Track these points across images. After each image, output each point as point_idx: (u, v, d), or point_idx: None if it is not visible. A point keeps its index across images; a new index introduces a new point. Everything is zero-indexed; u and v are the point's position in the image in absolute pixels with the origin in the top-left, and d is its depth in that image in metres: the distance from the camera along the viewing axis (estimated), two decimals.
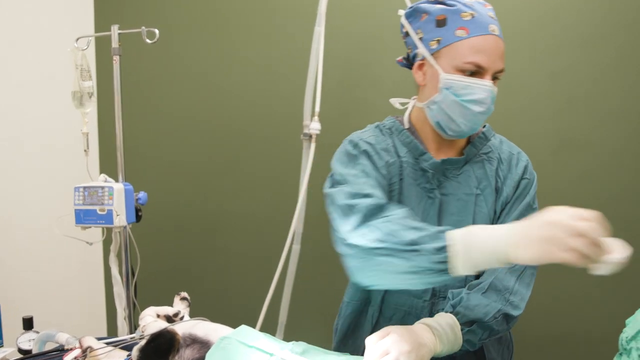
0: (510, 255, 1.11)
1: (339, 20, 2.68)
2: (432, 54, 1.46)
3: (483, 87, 1.41)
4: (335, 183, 1.48)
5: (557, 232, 1.05)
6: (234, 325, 1.40)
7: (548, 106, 2.52)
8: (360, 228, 1.29)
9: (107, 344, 1.44)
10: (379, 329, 1.52)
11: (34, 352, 1.67)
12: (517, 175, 1.55)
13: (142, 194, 2.25)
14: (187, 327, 1.33)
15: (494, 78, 1.44)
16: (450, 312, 1.40)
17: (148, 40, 2.21)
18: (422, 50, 1.48)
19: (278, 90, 2.86)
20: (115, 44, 2.25)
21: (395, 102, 1.64)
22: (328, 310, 2.88)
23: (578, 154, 2.51)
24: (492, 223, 1.52)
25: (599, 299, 2.53)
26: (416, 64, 1.53)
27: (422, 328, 1.32)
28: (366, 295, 1.61)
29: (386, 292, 1.56)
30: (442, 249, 1.17)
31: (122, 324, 2.28)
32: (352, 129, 2.71)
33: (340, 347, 1.67)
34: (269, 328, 2.58)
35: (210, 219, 3.05)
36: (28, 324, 1.79)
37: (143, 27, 2.21)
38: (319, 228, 2.80)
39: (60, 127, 2.84)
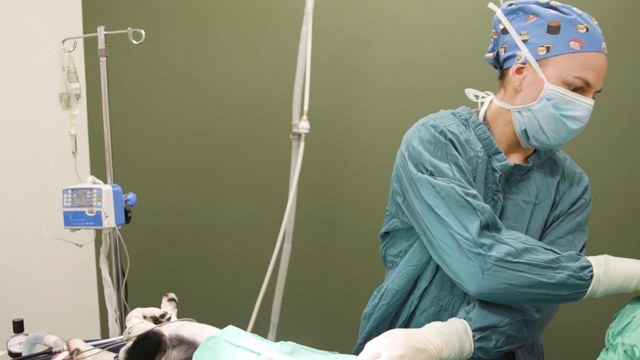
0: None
1: (326, 18, 2.69)
2: (537, 60, 1.41)
3: (585, 105, 1.39)
4: (425, 170, 1.42)
5: None
6: (225, 326, 1.40)
7: None
8: (487, 235, 1.31)
9: (95, 346, 1.43)
10: (414, 319, 1.54)
11: (23, 354, 1.66)
12: (576, 194, 1.55)
13: (131, 195, 2.24)
14: (174, 328, 1.33)
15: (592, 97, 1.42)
16: (464, 318, 1.36)
17: (134, 41, 2.20)
18: (526, 53, 1.42)
19: (266, 89, 2.86)
20: (101, 45, 2.24)
21: (470, 93, 1.59)
22: (320, 310, 2.90)
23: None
24: (542, 234, 1.52)
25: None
26: (515, 66, 1.45)
27: (430, 332, 1.30)
28: (413, 285, 1.56)
29: (430, 283, 1.52)
30: (587, 269, 1.26)
31: (113, 325, 2.27)
32: (341, 128, 2.74)
33: (374, 333, 1.59)
34: (261, 329, 2.59)
35: (201, 220, 3.05)
36: (18, 326, 1.78)
37: (129, 28, 2.21)
38: (309, 227, 2.81)
39: (49, 129, 2.84)
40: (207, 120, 2.98)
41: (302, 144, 2.45)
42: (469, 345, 1.32)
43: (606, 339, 1.25)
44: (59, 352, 1.48)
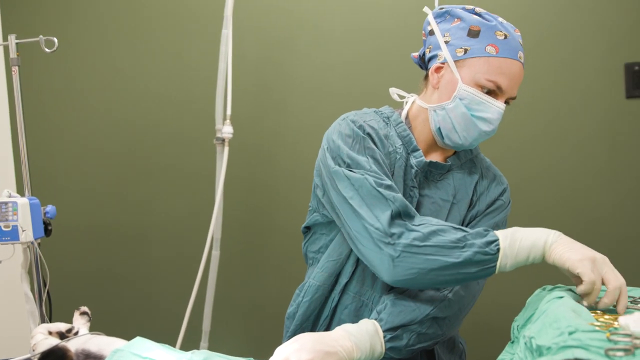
0: (546, 252, 1.26)
1: (248, 20, 2.68)
2: (455, 61, 1.45)
3: (496, 108, 1.43)
4: (342, 163, 1.44)
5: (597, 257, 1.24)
6: (154, 338, 1.37)
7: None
8: (397, 224, 1.32)
9: None
10: (335, 317, 1.54)
11: None
12: (493, 195, 1.58)
13: (49, 208, 2.18)
14: (80, 342, 1.30)
15: (505, 103, 1.46)
16: (375, 318, 1.38)
17: (47, 50, 2.15)
18: (445, 54, 1.46)
19: (190, 94, 2.82)
20: (13, 54, 2.18)
21: (394, 92, 1.61)
22: (255, 314, 2.88)
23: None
24: None
25: (496, 288, 2.56)
26: (435, 65, 1.49)
27: (340, 335, 1.31)
28: (335, 280, 1.56)
29: (350, 279, 1.53)
30: (493, 243, 1.27)
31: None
32: (266, 131, 2.73)
33: (297, 333, 1.56)
34: (194, 338, 2.55)
35: (128, 228, 2.98)
36: None
37: (41, 36, 2.15)
38: (239, 231, 2.79)
39: None
40: (130, 127, 2.93)
41: (226, 149, 2.44)
42: (379, 346, 1.33)
43: (512, 332, 1.27)
44: None
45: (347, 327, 1.34)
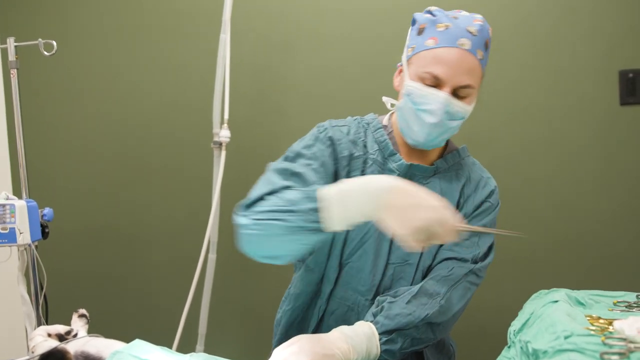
0: (375, 215, 1.20)
1: (247, 24, 2.68)
2: (407, 61, 1.48)
3: (436, 98, 1.41)
4: (284, 157, 1.51)
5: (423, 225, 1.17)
6: (151, 340, 1.37)
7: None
8: (254, 204, 1.34)
9: None
10: (323, 324, 1.57)
11: None
12: (481, 197, 1.57)
13: (47, 210, 2.19)
14: (79, 344, 1.30)
15: (458, 93, 1.42)
16: (371, 321, 1.39)
17: (46, 53, 2.16)
18: (403, 56, 1.51)
19: (187, 98, 2.83)
20: (12, 57, 2.19)
21: (387, 101, 1.62)
22: (251, 317, 2.89)
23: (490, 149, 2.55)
24: None
25: (492, 291, 2.58)
26: (397, 69, 1.55)
27: (336, 337, 1.32)
28: (317, 288, 1.59)
29: (335, 285, 1.55)
30: (315, 210, 1.21)
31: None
32: (264, 135, 2.74)
33: (283, 340, 1.63)
34: (190, 340, 2.56)
35: (125, 232, 2.99)
36: None
37: (40, 39, 2.16)
38: (234, 236, 2.78)
39: None
40: (127, 130, 2.93)
41: (223, 153, 2.44)
42: (375, 348, 1.35)
43: (508, 336, 1.28)
44: None
45: (344, 329, 1.35)
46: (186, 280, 2.56)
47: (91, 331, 1.51)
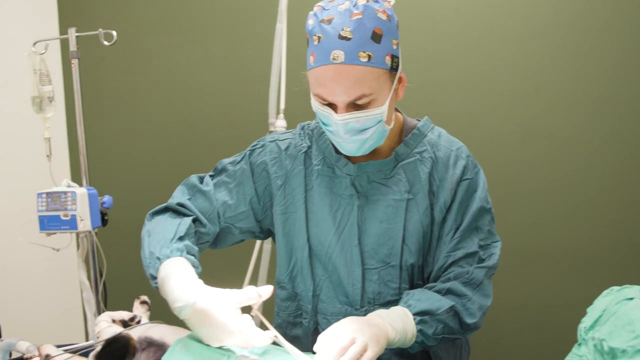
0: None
1: (302, 15, 2.66)
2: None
3: (334, 121, 1.31)
4: (214, 168, 1.57)
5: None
6: None
7: (515, 96, 2.52)
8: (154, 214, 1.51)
9: (66, 351, 1.41)
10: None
11: None
12: (454, 176, 1.42)
13: (107, 198, 2.22)
14: (143, 330, 1.31)
15: (358, 103, 1.29)
16: (402, 307, 1.36)
17: (106, 43, 2.18)
18: None
19: (243, 88, 2.84)
20: (73, 47, 2.22)
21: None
22: None
23: (544, 144, 2.51)
24: (430, 230, 1.44)
25: (560, 288, 2.54)
26: None
27: (372, 315, 1.30)
28: (295, 306, 1.56)
29: (317, 302, 1.51)
30: (153, 277, 1.33)
31: (93, 329, 2.25)
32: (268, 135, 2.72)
33: None
34: None
35: None
36: None
37: (100, 29, 2.18)
38: None
39: (28, 133, 2.80)
40: (184, 120, 2.97)
41: None
42: (411, 327, 1.31)
43: (578, 334, 1.24)
44: (31, 358, 1.46)
45: (378, 312, 1.32)
46: (241, 269, 2.57)
47: (151, 318, 1.53)
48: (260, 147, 1.54)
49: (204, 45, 2.90)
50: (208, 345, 1.25)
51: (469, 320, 1.37)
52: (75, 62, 2.22)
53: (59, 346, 1.45)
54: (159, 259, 1.30)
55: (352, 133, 1.32)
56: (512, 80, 2.54)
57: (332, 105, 1.31)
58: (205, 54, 2.90)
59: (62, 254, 2.21)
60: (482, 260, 1.42)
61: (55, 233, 2.13)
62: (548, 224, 2.56)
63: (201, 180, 1.55)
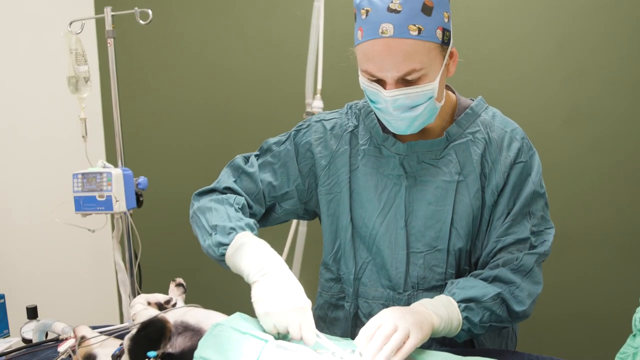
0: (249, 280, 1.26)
1: None
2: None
3: (383, 97, 1.28)
4: (259, 148, 1.57)
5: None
6: (236, 309, 1.36)
7: (557, 75, 2.45)
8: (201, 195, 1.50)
9: (101, 332, 1.40)
10: (360, 324, 1.46)
11: (33, 341, 1.65)
12: (508, 159, 1.38)
13: (142, 179, 2.21)
14: (179, 314, 1.29)
15: (407, 79, 1.26)
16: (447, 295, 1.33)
17: (141, 21, 2.16)
18: None
19: (279, 68, 2.81)
20: (109, 26, 2.20)
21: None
22: None
23: (588, 124, 2.44)
24: (480, 214, 1.40)
25: (608, 277, 2.48)
26: None
27: (415, 304, 1.28)
28: (339, 288, 1.55)
29: (359, 285, 1.50)
30: (222, 245, 1.33)
31: (128, 311, 2.25)
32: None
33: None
34: None
35: None
36: (32, 313, 1.77)
37: (136, 8, 2.16)
38: None
39: (63, 114, 2.81)
40: (219, 101, 2.95)
41: None
42: (456, 315, 1.28)
43: (633, 324, 1.19)
44: (66, 339, 1.46)
45: (420, 301, 1.30)
46: (277, 250, 2.55)
47: (186, 301, 1.51)
48: (306, 128, 1.52)
49: (240, 24, 2.87)
50: (245, 331, 1.22)
51: (518, 308, 1.33)
52: (111, 42, 2.21)
53: (94, 328, 1.45)
54: (233, 229, 1.31)
55: (401, 110, 1.29)
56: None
57: (380, 82, 1.28)
58: (241, 34, 2.87)
59: (97, 235, 2.21)
60: (533, 247, 1.37)
61: (90, 214, 2.12)
62: (597, 209, 2.49)
63: (246, 160, 1.54)
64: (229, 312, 1.33)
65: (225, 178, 1.51)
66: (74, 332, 1.40)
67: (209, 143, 2.99)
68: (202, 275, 3.00)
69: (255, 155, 1.56)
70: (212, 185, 1.51)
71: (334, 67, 2.61)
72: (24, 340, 1.71)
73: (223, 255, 1.30)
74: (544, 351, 1.72)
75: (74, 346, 1.35)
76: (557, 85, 2.45)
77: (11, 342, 1.77)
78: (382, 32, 1.23)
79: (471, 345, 1.46)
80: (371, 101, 1.33)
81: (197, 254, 3.03)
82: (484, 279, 1.35)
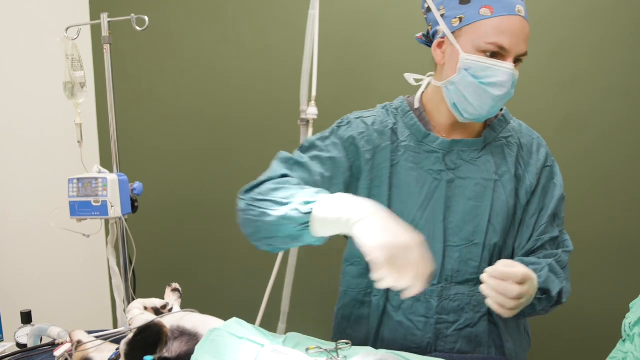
0: (350, 228, 1.15)
1: (334, 1, 2.64)
2: (453, 32, 1.40)
3: (504, 70, 1.36)
4: (300, 146, 1.54)
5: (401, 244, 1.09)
6: (232, 315, 1.37)
7: (550, 82, 2.47)
8: (257, 185, 1.42)
9: (98, 337, 1.41)
10: (389, 320, 1.53)
11: (28, 346, 1.65)
12: (539, 162, 1.53)
13: (137, 185, 2.21)
14: (175, 319, 1.30)
15: (516, 61, 1.39)
16: None
17: (138, 28, 2.17)
18: (443, 27, 1.42)
19: (274, 75, 2.82)
20: (105, 32, 2.21)
21: (410, 77, 1.60)
22: (331, 299, 2.86)
23: (581, 131, 2.46)
24: (514, 212, 1.50)
25: (599, 282, 2.49)
26: (436, 41, 1.47)
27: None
28: (366, 283, 1.57)
29: None
30: (307, 202, 1.22)
31: (122, 316, 2.26)
32: (351, 112, 2.69)
33: (338, 336, 1.63)
34: (271, 318, 2.56)
35: (209, 208, 3.02)
36: (26, 318, 1.77)
37: (132, 15, 2.17)
38: None
39: (57, 119, 2.81)
40: (214, 107, 2.95)
41: (310, 130, 2.42)
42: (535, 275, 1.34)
43: (623, 329, 1.21)
44: (62, 343, 1.46)
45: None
46: (270, 259, 2.56)
47: (182, 306, 1.52)
48: (346, 124, 1.55)
49: (236, 32, 2.88)
50: (241, 336, 1.24)
51: (563, 300, 1.46)
52: (107, 48, 2.22)
53: (89, 332, 1.45)
54: (307, 202, 1.23)
55: (512, 85, 1.38)
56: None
57: (495, 57, 1.37)
58: (236, 41, 2.88)
59: (91, 240, 2.21)
60: (563, 245, 1.51)
61: (85, 219, 2.13)
62: (591, 215, 2.51)
63: (291, 155, 1.53)
64: (224, 317, 1.34)
65: (278, 169, 1.47)
66: (70, 337, 1.41)
67: (204, 149, 3.00)
68: (197, 281, 3.01)
69: (299, 151, 1.55)
70: (263, 178, 1.45)
71: (329, 75, 2.64)
72: (18, 345, 1.70)
73: (309, 212, 1.21)
74: (535, 354, 1.74)
75: (70, 350, 1.35)
76: (551, 91, 2.48)
77: (5, 346, 1.77)
78: (518, 11, 1.36)
79: (494, 345, 1.52)
80: (477, 77, 1.38)
81: (192, 259, 3.07)
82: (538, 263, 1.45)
